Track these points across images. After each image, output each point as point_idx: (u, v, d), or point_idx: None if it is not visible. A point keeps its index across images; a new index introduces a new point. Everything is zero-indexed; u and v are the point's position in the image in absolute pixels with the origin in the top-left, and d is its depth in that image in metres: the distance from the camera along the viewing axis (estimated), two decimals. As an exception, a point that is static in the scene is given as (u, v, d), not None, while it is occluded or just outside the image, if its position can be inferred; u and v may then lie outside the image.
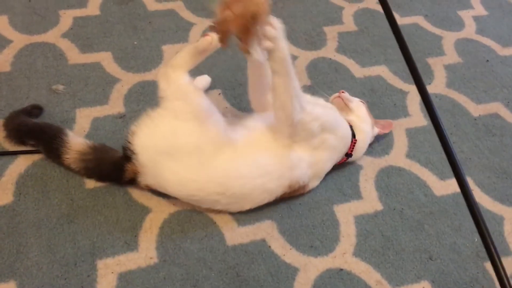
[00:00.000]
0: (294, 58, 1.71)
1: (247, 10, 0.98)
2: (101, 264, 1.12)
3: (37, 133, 1.27)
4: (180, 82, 1.16)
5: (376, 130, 1.44)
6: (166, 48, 1.65)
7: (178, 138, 1.15)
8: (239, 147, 1.18)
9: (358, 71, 1.71)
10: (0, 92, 1.42)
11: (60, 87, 1.46)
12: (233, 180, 1.16)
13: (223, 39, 1.05)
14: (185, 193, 1.17)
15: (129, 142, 1.16)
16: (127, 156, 1.17)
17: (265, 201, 1.24)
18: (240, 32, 1.01)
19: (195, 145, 1.14)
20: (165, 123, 1.16)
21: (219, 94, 1.54)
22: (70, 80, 1.49)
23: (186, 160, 1.14)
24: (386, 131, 1.48)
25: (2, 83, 1.44)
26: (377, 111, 1.59)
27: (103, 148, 1.25)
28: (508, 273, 1.25)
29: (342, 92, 1.44)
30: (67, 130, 1.25)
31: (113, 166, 1.21)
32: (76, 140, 1.23)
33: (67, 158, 1.22)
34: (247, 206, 1.23)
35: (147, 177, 1.18)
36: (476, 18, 2.02)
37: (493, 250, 0.82)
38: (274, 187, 1.21)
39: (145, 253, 1.15)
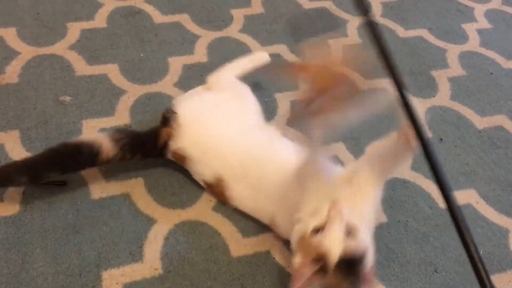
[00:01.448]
0: (299, 70, 1.72)
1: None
2: (106, 274, 1.12)
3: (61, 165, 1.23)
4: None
5: (296, 261, 0.99)
6: (172, 60, 1.66)
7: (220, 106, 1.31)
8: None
9: (363, 83, 1.71)
10: (8, 103, 1.43)
11: (67, 98, 1.47)
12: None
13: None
14: (212, 152, 1.22)
15: (173, 105, 1.31)
16: (165, 120, 1.28)
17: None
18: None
19: (234, 111, 1.30)
20: (210, 97, 1.36)
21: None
22: (77, 92, 1.50)
23: (223, 121, 1.27)
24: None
25: (10, 94, 1.45)
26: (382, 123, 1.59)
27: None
28: None
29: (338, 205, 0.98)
30: (77, 139, 1.25)
31: (147, 135, 1.29)
32: (97, 136, 1.24)
33: (105, 153, 1.22)
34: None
35: (180, 140, 1.24)
36: (480, 31, 2.03)
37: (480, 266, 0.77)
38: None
39: (150, 264, 1.15)
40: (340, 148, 1.49)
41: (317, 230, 0.95)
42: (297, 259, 0.96)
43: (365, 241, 0.98)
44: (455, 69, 1.84)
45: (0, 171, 1.19)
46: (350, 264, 0.94)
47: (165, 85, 1.57)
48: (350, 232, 0.95)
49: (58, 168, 1.20)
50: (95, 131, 1.40)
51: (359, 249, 0.95)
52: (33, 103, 1.44)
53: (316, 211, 0.99)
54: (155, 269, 1.15)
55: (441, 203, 1.39)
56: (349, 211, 0.97)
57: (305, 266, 0.94)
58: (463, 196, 1.42)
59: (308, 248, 0.95)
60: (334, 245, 0.93)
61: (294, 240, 1.01)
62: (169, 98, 1.53)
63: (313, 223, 0.96)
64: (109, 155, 1.22)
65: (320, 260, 0.93)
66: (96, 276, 1.11)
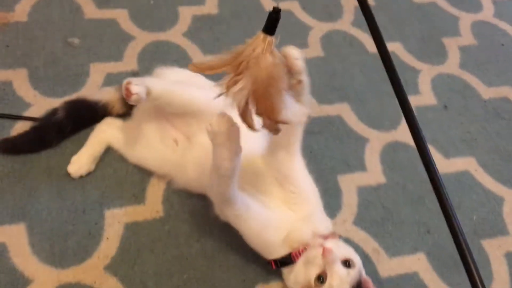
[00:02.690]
0: (309, 28, 1.71)
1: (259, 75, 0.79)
2: (108, 213, 1.15)
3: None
4: None
5: None
6: (182, 10, 1.64)
7: None
8: None
9: (372, 46, 1.71)
10: (17, 41, 1.43)
11: (76, 40, 1.47)
12: None
13: (248, 119, 0.84)
14: None
15: None
16: None
17: None
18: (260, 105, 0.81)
19: None
20: None
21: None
22: (85, 34, 1.50)
23: None
24: None
25: (19, 33, 1.45)
26: (388, 87, 1.58)
27: None
28: (504, 251, 1.29)
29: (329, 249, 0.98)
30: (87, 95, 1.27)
31: None
32: (110, 96, 1.26)
33: (115, 112, 1.27)
34: None
35: None
36: (495, 2, 2.00)
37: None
38: None
39: (152, 207, 1.18)
40: (344, 109, 1.50)
41: (319, 277, 0.97)
42: None
43: (359, 261, 1.01)
44: (466, 37, 1.82)
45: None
46: None
47: (173, 34, 1.57)
48: (347, 263, 0.98)
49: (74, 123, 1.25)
50: (102, 75, 1.40)
51: (360, 273, 0.99)
52: (42, 43, 1.44)
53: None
54: (157, 211, 1.18)
55: (440, 168, 1.38)
56: (335, 245, 1.00)
57: None
58: (462, 163, 1.44)
59: None
60: (343, 285, 0.95)
61: None
62: (177, 47, 1.53)
63: (312, 273, 0.97)
64: (118, 112, 1.27)
65: None
66: (99, 214, 1.15)
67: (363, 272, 1.01)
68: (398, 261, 1.22)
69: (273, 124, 0.84)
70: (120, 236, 1.13)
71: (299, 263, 1.01)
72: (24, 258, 1.06)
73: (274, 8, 0.80)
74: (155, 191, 1.21)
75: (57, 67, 1.39)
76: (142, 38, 1.53)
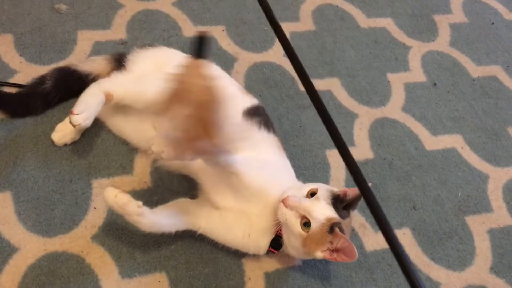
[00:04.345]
0: (301, 2, 1.69)
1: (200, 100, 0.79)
2: (96, 183, 1.14)
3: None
4: None
5: (320, 255, 0.99)
6: (173, -22, 1.61)
7: None
8: None
9: (363, 21, 1.70)
10: (2, 6, 1.39)
11: (63, 6, 1.43)
12: None
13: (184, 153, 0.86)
14: None
15: None
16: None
17: None
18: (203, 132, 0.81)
19: None
20: None
21: (223, 30, 1.53)
22: (73, 1, 1.46)
23: None
24: (341, 259, 0.98)
25: (4, -3, 1.41)
26: (378, 63, 1.59)
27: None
28: (487, 228, 1.31)
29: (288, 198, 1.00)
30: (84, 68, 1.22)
31: None
32: (97, 65, 1.23)
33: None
34: None
35: None
36: (488, -20, 1.99)
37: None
38: None
39: (140, 177, 1.17)
40: (335, 84, 1.49)
41: (305, 223, 0.98)
42: (320, 254, 0.99)
43: (320, 184, 1.05)
44: (458, 15, 1.82)
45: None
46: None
47: (163, 3, 1.54)
48: (312, 194, 1.01)
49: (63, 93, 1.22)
50: (90, 43, 1.38)
51: (328, 190, 1.03)
52: (28, 8, 1.40)
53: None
54: (145, 182, 1.17)
55: (427, 145, 1.42)
56: (291, 191, 1.03)
57: (330, 250, 0.99)
58: (449, 140, 1.45)
59: (317, 238, 0.98)
60: (329, 212, 0.98)
61: (300, 249, 1.01)
62: (167, 17, 1.50)
63: (296, 228, 0.98)
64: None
65: (332, 230, 0.97)
66: (86, 183, 1.14)
67: (334, 189, 1.04)
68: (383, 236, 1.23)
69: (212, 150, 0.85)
70: (107, 206, 1.12)
71: (285, 235, 1.03)
72: (10, 226, 1.05)
73: (199, 32, 0.81)
74: (143, 162, 1.20)
75: (43, 34, 1.36)
76: (131, 6, 1.50)
